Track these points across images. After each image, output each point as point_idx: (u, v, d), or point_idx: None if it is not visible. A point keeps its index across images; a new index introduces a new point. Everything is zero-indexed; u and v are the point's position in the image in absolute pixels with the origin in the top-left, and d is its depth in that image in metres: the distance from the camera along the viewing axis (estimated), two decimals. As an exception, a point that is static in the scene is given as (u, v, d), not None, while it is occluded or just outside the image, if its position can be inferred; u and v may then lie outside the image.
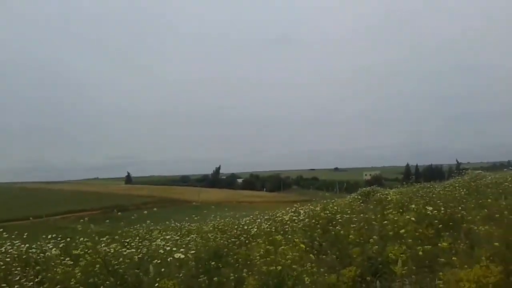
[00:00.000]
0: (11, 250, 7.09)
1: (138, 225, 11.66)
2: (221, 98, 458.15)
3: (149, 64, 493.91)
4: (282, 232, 8.33)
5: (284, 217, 10.88)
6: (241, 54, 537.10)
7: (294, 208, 12.81)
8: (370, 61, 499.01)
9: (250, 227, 9.51)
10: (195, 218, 11.87)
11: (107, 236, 7.72)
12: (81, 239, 7.32)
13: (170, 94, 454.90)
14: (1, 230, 7.93)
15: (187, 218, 12.92)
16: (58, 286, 5.58)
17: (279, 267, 4.97)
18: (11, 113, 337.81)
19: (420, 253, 5.19)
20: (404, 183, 19.55)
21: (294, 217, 10.17)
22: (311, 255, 5.80)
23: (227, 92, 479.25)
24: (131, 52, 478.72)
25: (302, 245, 5.84)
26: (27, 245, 7.61)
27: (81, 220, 7.96)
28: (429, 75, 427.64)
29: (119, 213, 10.67)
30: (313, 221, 8.74)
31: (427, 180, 20.84)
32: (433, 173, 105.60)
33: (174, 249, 6.39)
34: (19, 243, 7.45)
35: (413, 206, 8.69)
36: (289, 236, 7.32)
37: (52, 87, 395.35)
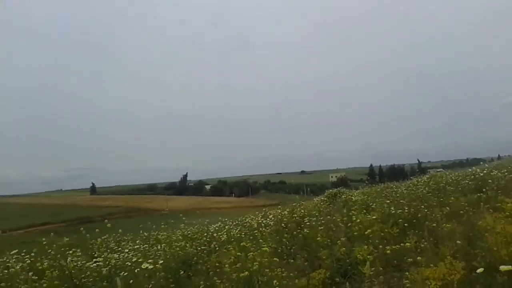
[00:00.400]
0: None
1: (105, 237, 11.30)
2: (185, 105, 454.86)
3: (111, 74, 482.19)
4: (251, 237, 8.30)
5: (253, 222, 10.87)
6: (202, 60, 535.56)
7: (263, 213, 12.85)
8: (331, 67, 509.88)
9: (219, 234, 9.42)
10: (164, 226, 11.65)
11: (73, 249, 7.47)
12: (50, 251, 7.09)
13: (133, 102, 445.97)
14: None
15: (154, 227, 12.64)
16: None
17: (248, 274, 4.94)
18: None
19: (388, 252, 5.30)
20: (366, 183, 20.12)
21: (263, 222, 10.17)
22: (279, 259, 5.80)
23: (192, 98, 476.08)
24: (86, 60, 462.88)
25: (266, 249, 5.83)
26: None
27: (51, 234, 7.69)
28: (386, 78, 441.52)
29: (85, 225, 10.37)
30: (282, 225, 8.75)
31: (390, 180, 21.50)
32: (396, 173, 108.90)
33: (141, 260, 6.23)
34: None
35: (377, 205, 8.89)
36: (260, 241, 7.30)
37: (6, 97, 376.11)
